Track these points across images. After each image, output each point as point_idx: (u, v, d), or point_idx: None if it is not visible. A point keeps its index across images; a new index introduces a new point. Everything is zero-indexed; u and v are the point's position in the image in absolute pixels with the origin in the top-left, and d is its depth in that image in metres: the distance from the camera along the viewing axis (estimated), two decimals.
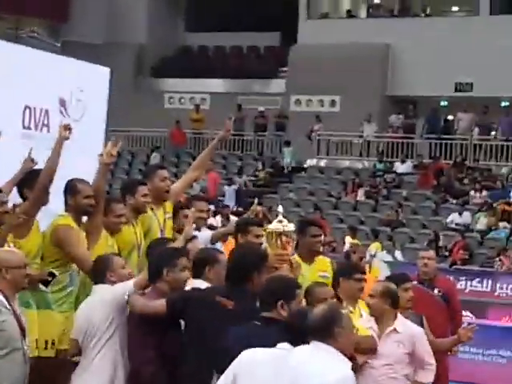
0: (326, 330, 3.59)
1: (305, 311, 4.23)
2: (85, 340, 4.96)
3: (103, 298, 5.00)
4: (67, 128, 5.92)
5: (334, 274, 6.33)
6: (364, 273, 6.22)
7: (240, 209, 21.64)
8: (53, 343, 5.54)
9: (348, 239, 19.56)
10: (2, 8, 29.39)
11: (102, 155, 6.16)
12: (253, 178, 27.30)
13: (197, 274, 5.08)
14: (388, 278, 6.65)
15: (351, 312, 5.49)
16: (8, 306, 4.34)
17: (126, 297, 4.92)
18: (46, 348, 5.44)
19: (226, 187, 25.27)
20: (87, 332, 4.94)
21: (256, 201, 13.40)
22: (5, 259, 4.49)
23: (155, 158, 27.27)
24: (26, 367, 4.52)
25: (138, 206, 6.46)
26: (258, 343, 3.89)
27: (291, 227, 5.92)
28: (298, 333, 3.86)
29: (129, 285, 4.99)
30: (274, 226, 5.78)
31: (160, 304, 4.64)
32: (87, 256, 5.78)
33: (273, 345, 3.86)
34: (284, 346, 3.84)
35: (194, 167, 7.88)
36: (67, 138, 5.88)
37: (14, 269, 4.46)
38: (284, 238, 5.74)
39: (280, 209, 6.24)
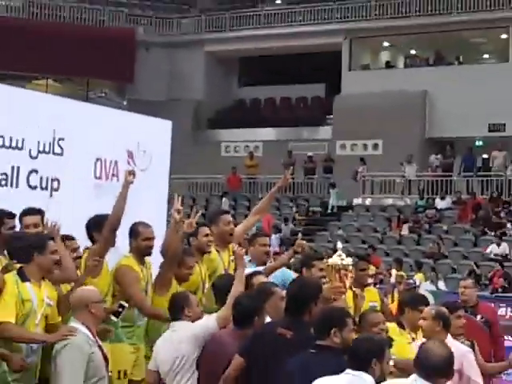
0: (447, 371, 3.91)
1: (367, 337, 4.59)
2: (170, 372, 5.24)
3: (192, 334, 5.24)
4: (131, 173, 6.16)
5: (398, 303, 6.73)
6: (428, 304, 6.14)
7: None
8: (125, 374, 5.80)
9: (394, 271, 19.34)
10: (73, 71, 30.88)
11: (176, 211, 6.26)
12: (304, 218, 27.44)
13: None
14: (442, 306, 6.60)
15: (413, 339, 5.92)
16: (93, 339, 4.79)
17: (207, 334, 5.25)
18: (118, 378, 5.68)
19: (273, 236, 23.64)
20: (175, 364, 5.20)
21: (300, 235, 15.05)
22: (89, 296, 4.89)
23: (225, 203, 27.31)
24: None
25: (201, 247, 6.72)
26: (316, 370, 4.20)
27: (349, 261, 6.15)
28: (361, 359, 4.07)
29: (211, 323, 5.27)
30: (333, 260, 6.07)
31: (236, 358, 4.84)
32: (142, 296, 6.14)
33: (329, 371, 4.13)
34: (350, 371, 4.06)
35: (255, 212, 8.33)
36: (131, 183, 6.12)
37: (96, 303, 4.89)
38: (342, 272, 6.03)
39: (339, 245, 6.61)
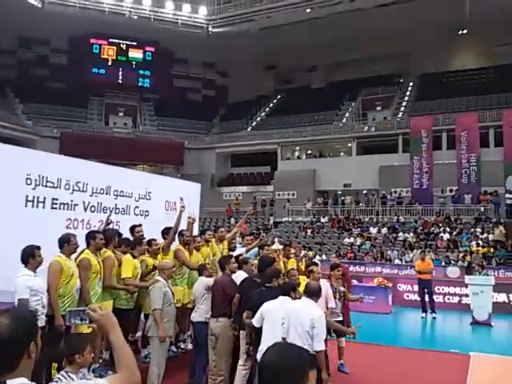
0: (316, 293, 4.55)
1: (290, 282, 5.24)
2: (197, 299, 5.78)
3: (206, 283, 5.72)
4: (182, 208, 6.87)
5: (305, 265, 6.87)
6: (317, 265, 6.27)
7: None
8: (178, 301, 6.07)
9: (302, 251, 16.54)
10: (156, 161, 33.71)
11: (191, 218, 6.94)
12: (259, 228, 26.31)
13: (239, 268, 5.82)
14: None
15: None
16: (166, 284, 5.31)
17: (211, 284, 5.67)
18: (176, 303, 5.83)
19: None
20: (201, 295, 5.71)
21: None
22: (164, 265, 5.47)
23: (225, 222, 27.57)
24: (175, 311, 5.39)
25: (207, 239, 7.14)
26: (266, 297, 4.84)
27: (280, 247, 7.35)
28: (286, 291, 4.79)
29: (211, 282, 5.70)
30: (273, 246, 7.21)
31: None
32: (189, 261, 6.50)
33: (271, 297, 4.76)
34: (284, 298, 4.70)
35: (237, 226, 8.78)
36: (183, 211, 6.74)
37: (169, 269, 5.44)
38: (277, 252, 7.13)
39: (276, 240, 7.39)
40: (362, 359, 7.37)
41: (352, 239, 22.91)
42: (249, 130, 34.95)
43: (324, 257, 20.63)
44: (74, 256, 5.21)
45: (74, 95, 33.67)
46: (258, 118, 36.44)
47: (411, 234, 21.79)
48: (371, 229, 23.40)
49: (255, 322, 4.76)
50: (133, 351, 1.95)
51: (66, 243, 5.01)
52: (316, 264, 6.24)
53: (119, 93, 36.84)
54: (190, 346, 6.60)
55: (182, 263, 6.49)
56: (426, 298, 12.26)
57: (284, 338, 4.58)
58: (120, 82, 37.81)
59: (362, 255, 20.23)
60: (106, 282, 5.46)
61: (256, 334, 4.86)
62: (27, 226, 5.45)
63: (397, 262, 19.24)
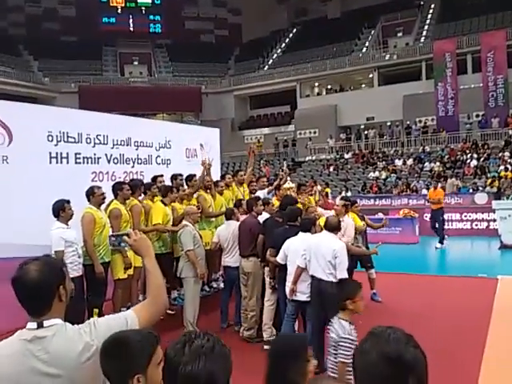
0: (336, 227, 4.64)
1: (308, 217, 5.27)
2: (229, 243, 5.87)
3: (235, 226, 5.82)
4: (205, 163, 6.74)
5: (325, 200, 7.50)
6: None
7: None
8: (206, 243, 6.11)
9: (318, 187, 17.72)
10: (175, 109, 33.37)
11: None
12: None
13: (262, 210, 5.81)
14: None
15: None
16: (193, 227, 5.54)
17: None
18: (205, 245, 5.98)
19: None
20: (225, 239, 5.86)
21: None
22: (191, 210, 5.66)
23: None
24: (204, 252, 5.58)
25: (228, 183, 7.24)
26: (288, 234, 4.96)
27: (292, 185, 7.17)
28: (306, 227, 4.90)
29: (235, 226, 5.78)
30: (286, 185, 7.08)
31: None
32: (208, 211, 6.57)
33: (293, 234, 4.93)
34: (305, 234, 4.80)
35: (249, 166, 8.38)
36: (209, 167, 6.74)
37: (195, 213, 5.67)
38: (290, 190, 6.99)
39: (289, 179, 7.18)
40: (394, 288, 7.59)
41: (377, 173, 22.62)
42: (266, 69, 34.13)
43: (349, 193, 20.50)
44: (103, 207, 5.38)
45: (88, 47, 33.24)
46: (275, 56, 35.45)
47: (437, 164, 21.50)
48: (396, 161, 23.06)
49: (279, 259, 4.91)
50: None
51: (91, 195, 5.15)
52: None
53: (132, 41, 36.16)
54: (222, 285, 6.77)
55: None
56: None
57: (302, 268, 4.75)
58: (131, 29, 37.34)
59: (387, 189, 20.10)
60: (135, 228, 5.51)
61: (280, 270, 5.03)
62: (54, 182, 5.63)
63: (424, 192, 18.60)
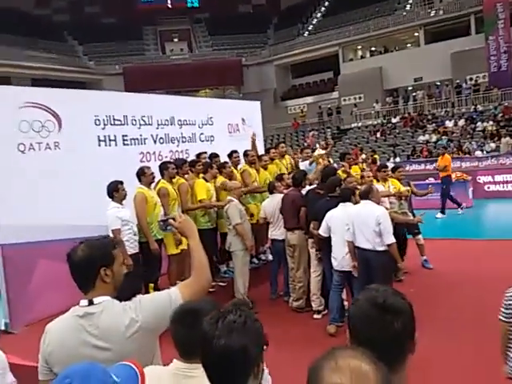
0: (368, 194, 4.68)
1: (348, 187, 5.19)
2: (274, 217, 5.89)
3: (280, 198, 5.79)
4: (253, 136, 7.12)
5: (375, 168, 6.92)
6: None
7: None
8: (252, 215, 6.35)
9: (363, 155, 17.92)
10: (217, 83, 33.44)
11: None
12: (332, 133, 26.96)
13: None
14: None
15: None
16: (239, 203, 5.58)
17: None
18: (251, 219, 6.18)
19: None
20: (271, 212, 5.91)
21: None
22: (234, 185, 5.71)
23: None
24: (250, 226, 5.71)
25: (272, 157, 7.30)
26: (330, 206, 4.97)
27: (322, 152, 7.16)
28: (345, 197, 4.90)
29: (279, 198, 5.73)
30: (317, 152, 7.10)
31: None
32: (251, 187, 6.60)
33: (334, 206, 4.93)
34: (345, 204, 4.87)
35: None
36: (254, 139, 7.12)
37: (237, 189, 5.68)
38: (323, 157, 7.02)
39: (318, 146, 7.46)
40: (446, 254, 7.38)
41: (427, 136, 21.96)
42: (306, 35, 33.49)
43: (398, 159, 20.32)
44: (152, 186, 5.51)
45: (128, 28, 33.74)
46: (314, 21, 34.65)
47: (490, 123, 20.56)
48: (447, 122, 22.29)
49: (322, 232, 4.94)
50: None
51: (142, 175, 5.30)
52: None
53: (170, 18, 36.20)
54: (270, 257, 6.85)
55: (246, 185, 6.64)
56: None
57: (351, 242, 4.76)
58: (169, 6, 37.28)
59: (438, 152, 19.21)
60: (183, 206, 5.76)
61: (324, 241, 5.08)
62: (104, 164, 5.80)
63: (477, 153, 18.30)
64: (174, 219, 2.07)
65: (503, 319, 2.62)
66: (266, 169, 7.00)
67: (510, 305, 2.60)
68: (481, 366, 3.78)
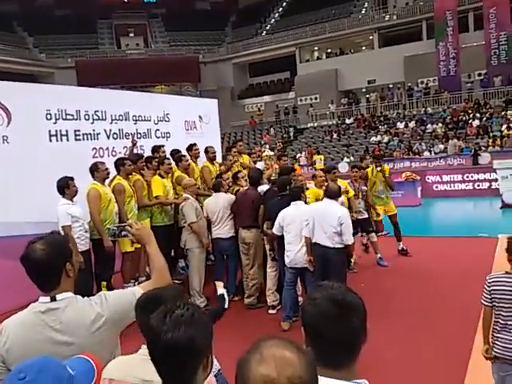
0: (336, 194, 4.84)
1: (297, 186, 5.27)
2: (221, 215, 5.81)
3: (230, 200, 5.83)
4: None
5: (323, 169, 6.96)
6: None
7: None
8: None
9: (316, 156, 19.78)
10: (172, 80, 32.60)
11: None
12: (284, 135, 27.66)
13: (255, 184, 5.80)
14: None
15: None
16: (195, 200, 5.62)
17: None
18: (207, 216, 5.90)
19: None
20: (226, 211, 5.83)
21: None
22: (189, 182, 5.82)
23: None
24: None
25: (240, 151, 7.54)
26: (282, 204, 5.06)
27: (271, 153, 7.53)
28: (295, 196, 4.97)
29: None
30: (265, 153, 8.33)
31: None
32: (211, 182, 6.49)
33: (286, 204, 5.02)
34: (296, 202, 4.92)
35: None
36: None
37: (192, 186, 5.87)
38: (269, 159, 7.46)
39: (267, 147, 8.71)
40: (395, 251, 7.71)
41: (379, 137, 22.57)
42: (263, 34, 33.62)
43: (352, 158, 20.64)
44: (106, 183, 5.45)
45: (82, 21, 32.83)
46: (272, 21, 34.79)
47: (440, 125, 21.39)
48: (398, 124, 22.91)
49: (275, 231, 5.05)
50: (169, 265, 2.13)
51: (95, 171, 5.22)
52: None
53: (126, 12, 35.30)
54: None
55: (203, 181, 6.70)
56: None
57: (309, 237, 4.85)
58: (125, 0, 36.38)
59: (390, 152, 20.06)
60: (139, 202, 5.74)
61: (278, 240, 5.16)
62: (55, 160, 5.63)
63: (426, 154, 18.97)
64: (130, 226, 2.08)
65: (486, 304, 2.79)
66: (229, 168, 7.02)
67: (492, 290, 2.76)
68: (430, 349, 4.10)
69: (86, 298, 1.83)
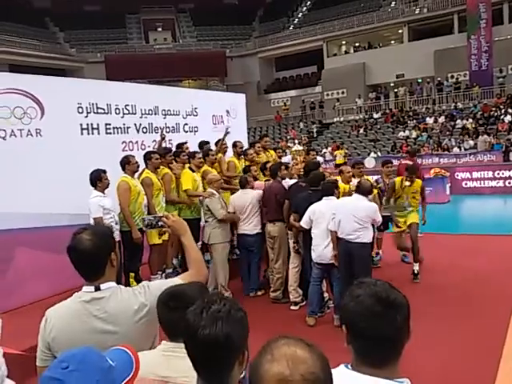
0: (368, 191, 4.83)
1: (330, 181, 5.18)
2: (248, 211, 5.77)
3: (258, 195, 5.83)
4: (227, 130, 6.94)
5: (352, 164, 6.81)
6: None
7: None
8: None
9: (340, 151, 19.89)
10: (201, 74, 33.00)
11: None
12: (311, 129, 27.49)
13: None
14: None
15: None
16: (218, 194, 5.63)
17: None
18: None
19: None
20: (254, 207, 5.80)
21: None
22: (214, 177, 5.75)
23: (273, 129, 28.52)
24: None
25: (264, 146, 7.40)
26: (312, 198, 4.98)
27: (299, 147, 7.19)
28: (328, 192, 4.89)
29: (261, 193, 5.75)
30: (294, 148, 8.20)
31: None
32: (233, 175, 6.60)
33: (317, 199, 4.92)
34: (329, 197, 4.84)
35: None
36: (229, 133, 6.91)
37: (217, 181, 5.74)
38: (298, 153, 7.34)
39: (297, 142, 8.24)
40: (426, 248, 7.55)
41: (407, 132, 22.17)
42: (291, 28, 33.33)
43: (379, 153, 20.48)
44: (136, 176, 5.51)
45: (111, 16, 33.16)
46: (300, 14, 34.43)
47: (470, 120, 20.90)
48: (427, 119, 22.45)
49: (304, 224, 4.99)
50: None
51: (126, 164, 5.29)
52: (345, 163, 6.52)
53: (154, 7, 35.14)
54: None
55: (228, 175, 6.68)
56: None
57: (335, 231, 4.81)
58: None
59: (418, 148, 19.50)
60: (167, 196, 5.78)
61: (304, 234, 5.12)
62: (86, 153, 5.75)
63: (455, 150, 18.60)
64: (166, 217, 2.09)
65: None
66: (251, 162, 6.96)
67: None
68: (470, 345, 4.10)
69: (129, 287, 1.86)
